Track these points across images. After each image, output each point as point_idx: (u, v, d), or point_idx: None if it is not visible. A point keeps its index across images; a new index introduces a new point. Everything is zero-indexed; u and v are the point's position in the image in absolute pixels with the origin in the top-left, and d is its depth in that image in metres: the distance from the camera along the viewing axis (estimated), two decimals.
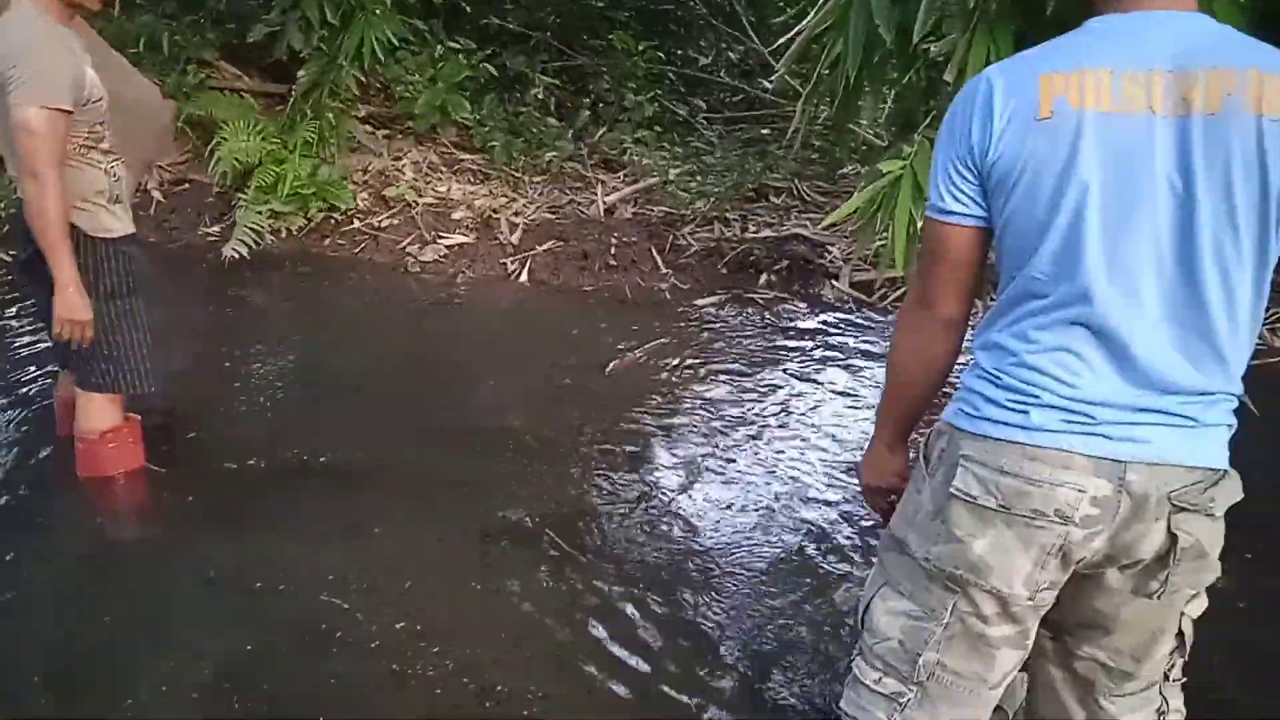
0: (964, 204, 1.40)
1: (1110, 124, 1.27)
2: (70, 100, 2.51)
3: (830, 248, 5.40)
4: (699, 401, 3.78)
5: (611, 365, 4.07)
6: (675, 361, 4.15)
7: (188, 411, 3.40)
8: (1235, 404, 1.37)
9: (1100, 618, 1.45)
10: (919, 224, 2.70)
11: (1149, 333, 1.30)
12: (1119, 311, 1.30)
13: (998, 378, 1.40)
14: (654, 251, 5.30)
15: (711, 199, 5.68)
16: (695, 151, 6.22)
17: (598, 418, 3.56)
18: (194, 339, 4.10)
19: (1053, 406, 1.34)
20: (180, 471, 3.03)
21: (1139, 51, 1.28)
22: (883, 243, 2.79)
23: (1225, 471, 1.37)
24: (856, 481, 1.98)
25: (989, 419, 1.40)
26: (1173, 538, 1.34)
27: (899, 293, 4.96)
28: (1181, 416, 1.32)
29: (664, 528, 2.90)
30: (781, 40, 3.14)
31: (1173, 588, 1.38)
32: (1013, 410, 1.38)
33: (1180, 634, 1.46)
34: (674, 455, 3.34)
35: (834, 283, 5.13)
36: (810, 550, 2.81)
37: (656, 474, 3.21)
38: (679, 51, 7.17)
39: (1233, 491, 1.38)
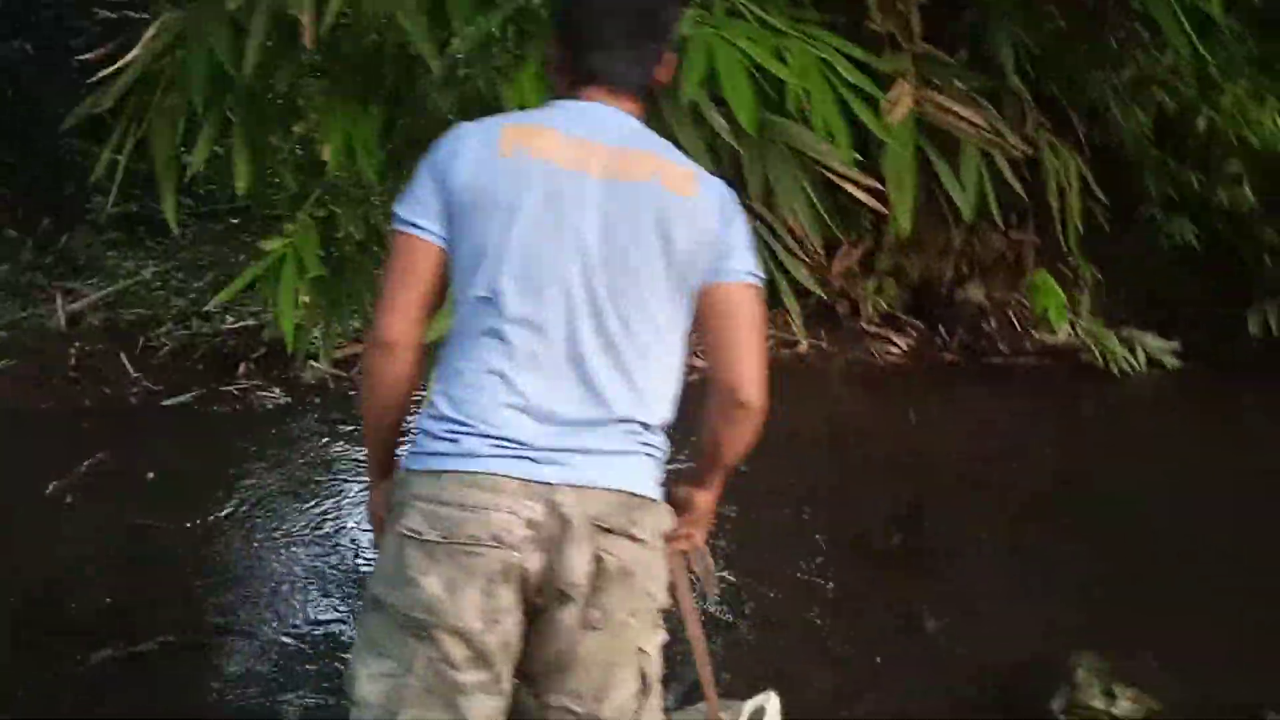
0: (426, 220, 1.49)
1: (554, 173, 1.47)
2: None
3: (314, 328, 5.56)
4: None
5: (53, 486, 3.97)
6: (134, 474, 4.13)
7: None
8: (651, 433, 1.51)
9: (560, 659, 1.45)
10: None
11: (557, 362, 1.44)
12: (529, 341, 1.43)
13: (434, 410, 1.48)
14: (122, 357, 5.19)
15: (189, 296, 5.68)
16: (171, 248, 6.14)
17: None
18: None
19: (482, 435, 1.41)
20: None
21: (586, 127, 1.52)
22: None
23: (649, 498, 1.49)
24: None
25: (430, 452, 1.45)
26: (597, 559, 1.41)
27: None
28: (596, 445, 1.44)
29: None
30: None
31: (613, 616, 1.44)
32: (447, 440, 1.44)
33: (644, 675, 1.50)
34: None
35: (313, 363, 5.28)
36: None
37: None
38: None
39: (660, 517, 1.51)
